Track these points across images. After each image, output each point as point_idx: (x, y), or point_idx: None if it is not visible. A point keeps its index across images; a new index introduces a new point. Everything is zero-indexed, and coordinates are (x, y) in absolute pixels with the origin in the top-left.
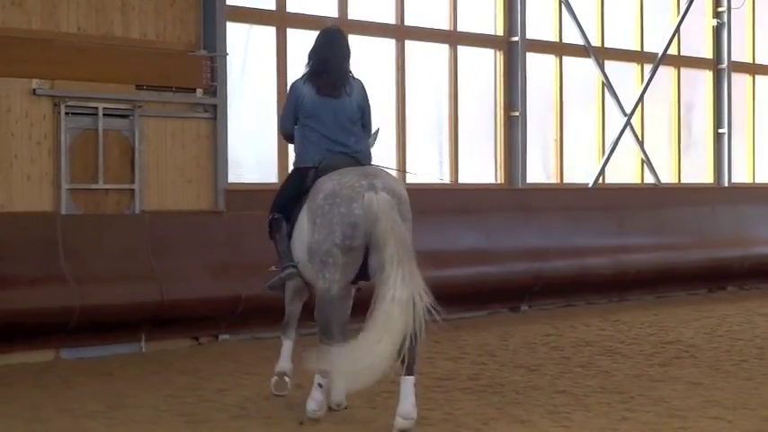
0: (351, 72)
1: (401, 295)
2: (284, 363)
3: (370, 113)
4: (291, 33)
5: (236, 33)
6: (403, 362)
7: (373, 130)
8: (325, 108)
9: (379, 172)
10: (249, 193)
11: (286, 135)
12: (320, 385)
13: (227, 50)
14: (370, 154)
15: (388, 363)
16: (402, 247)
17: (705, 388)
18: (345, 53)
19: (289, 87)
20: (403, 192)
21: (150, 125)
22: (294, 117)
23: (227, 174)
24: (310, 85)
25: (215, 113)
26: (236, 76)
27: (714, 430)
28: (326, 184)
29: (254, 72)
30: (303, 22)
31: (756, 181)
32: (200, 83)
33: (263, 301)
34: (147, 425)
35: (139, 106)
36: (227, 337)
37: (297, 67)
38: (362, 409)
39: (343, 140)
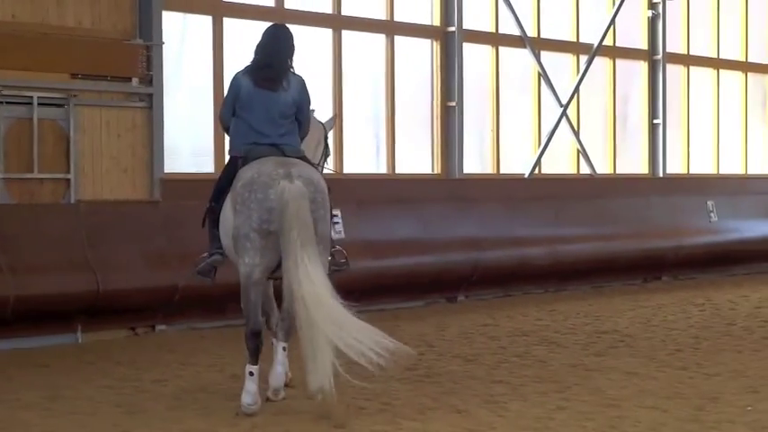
0: (292, 68)
1: (305, 291)
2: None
3: (307, 110)
4: (228, 22)
5: (171, 22)
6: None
7: (328, 118)
8: (259, 100)
9: (298, 162)
10: (185, 182)
11: (224, 126)
12: (251, 374)
13: (163, 39)
14: (297, 147)
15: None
16: (305, 232)
17: (640, 377)
18: (288, 49)
19: (231, 79)
20: (321, 181)
21: (85, 114)
22: (233, 108)
23: (162, 163)
24: (249, 77)
25: (151, 103)
26: (172, 66)
27: (649, 419)
28: (246, 173)
29: (191, 61)
30: (239, 11)
31: (691, 172)
32: (135, 72)
33: (200, 291)
34: (84, 416)
35: (74, 95)
36: (163, 327)
37: (233, 56)
38: (299, 400)
39: (269, 132)
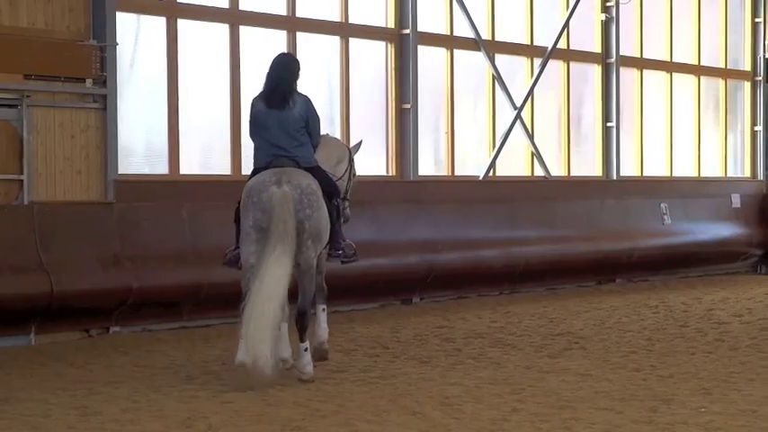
0: (296, 89)
1: (265, 283)
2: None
3: (315, 123)
4: (182, 24)
5: (125, 23)
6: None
7: (354, 143)
8: (272, 119)
9: (293, 171)
10: (139, 183)
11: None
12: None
13: (117, 40)
14: (310, 157)
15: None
16: (281, 230)
17: (594, 379)
18: (292, 73)
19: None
20: (310, 186)
21: (39, 115)
22: (252, 128)
23: (116, 164)
24: (262, 101)
25: (104, 104)
26: (126, 67)
27: (604, 421)
28: (250, 182)
29: (145, 62)
30: (193, 12)
31: (644, 174)
32: (89, 73)
33: (154, 292)
34: (38, 418)
35: (28, 96)
36: (118, 329)
37: (187, 57)
38: (257, 403)
39: (284, 146)
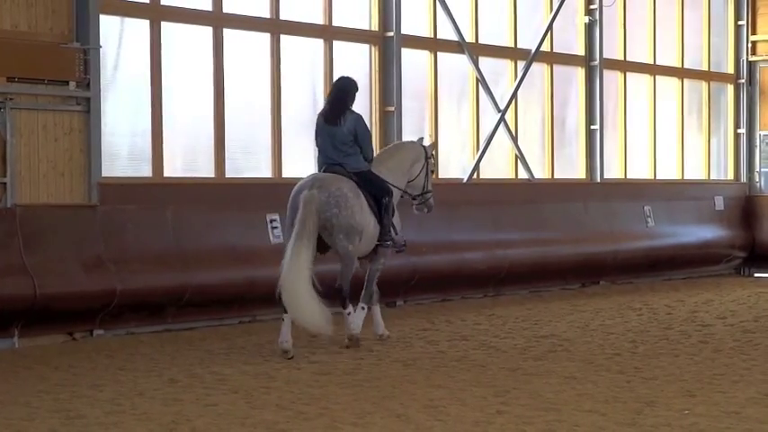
0: (350, 108)
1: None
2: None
3: (363, 137)
4: (165, 26)
5: (109, 26)
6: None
7: (429, 144)
8: (327, 133)
9: (329, 177)
10: (123, 186)
11: None
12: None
13: (101, 43)
14: (357, 164)
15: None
16: (301, 230)
17: (579, 381)
18: (346, 95)
19: None
20: (340, 190)
21: (22, 118)
22: (315, 140)
23: (100, 167)
24: (321, 117)
25: (88, 106)
26: (110, 69)
27: (588, 423)
28: (296, 186)
29: (128, 65)
30: (177, 15)
31: (628, 177)
32: (72, 75)
33: (138, 295)
34: (21, 422)
35: (11, 98)
36: (101, 332)
37: (171, 60)
38: (241, 405)
39: (332, 156)
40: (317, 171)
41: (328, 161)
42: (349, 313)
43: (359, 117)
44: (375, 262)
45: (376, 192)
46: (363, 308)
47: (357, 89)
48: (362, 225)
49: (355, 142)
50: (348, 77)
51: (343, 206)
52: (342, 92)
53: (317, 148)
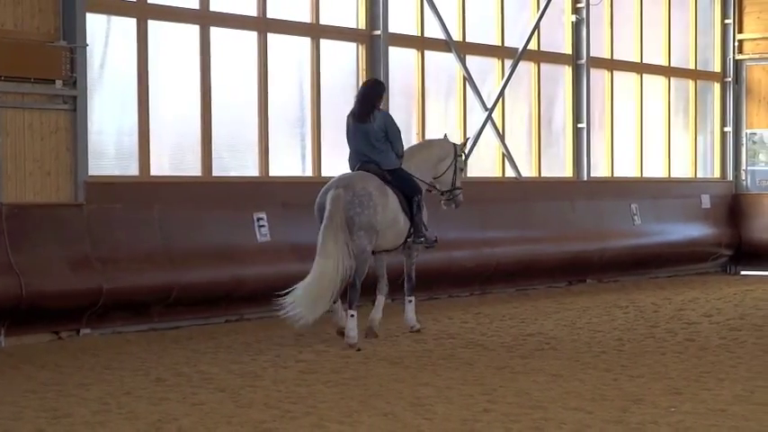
0: (378, 107)
1: (319, 260)
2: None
3: (393, 133)
4: (152, 25)
5: (96, 24)
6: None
7: (461, 141)
8: (358, 132)
9: (357, 176)
10: (110, 185)
11: None
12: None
13: (87, 41)
14: (390, 161)
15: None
16: (329, 224)
17: (565, 379)
18: (374, 96)
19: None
20: (365, 190)
21: (8, 116)
22: (347, 139)
23: (87, 166)
24: (351, 117)
25: (74, 105)
26: (97, 68)
27: (574, 421)
28: (323, 188)
29: (115, 63)
30: (163, 13)
31: (615, 175)
32: (59, 74)
33: (124, 294)
34: (7, 421)
35: None
36: (88, 331)
37: (158, 58)
38: (227, 404)
39: (367, 153)
40: (349, 170)
41: (363, 158)
42: (352, 315)
43: (388, 114)
44: (410, 257)
45: (408, 190)
46: (410, 300)
47: (385, 89)
48: (382, 224)
49: (386, 139)
50: (377, 79)
51: (366, 205)
52: (371, 91)
53: (349, 147)
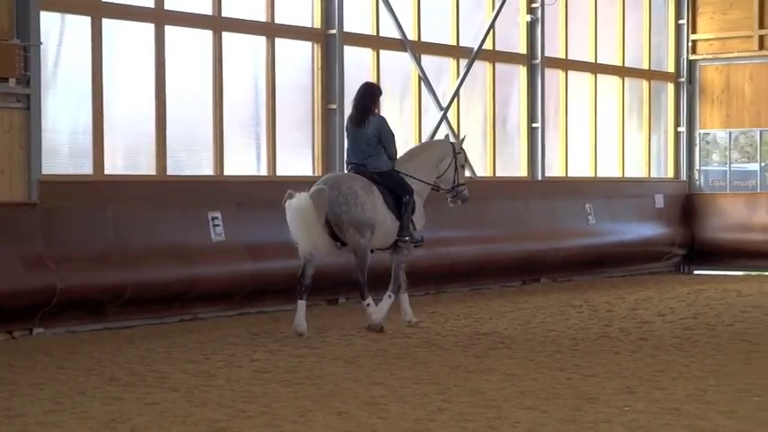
0: (372, 111)
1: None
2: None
3: (386, 137)
4: (107, 23)
5: (50, 22)
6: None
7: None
8: (353, 136)
9: (344, 176)
10: (64, 184)
11: None
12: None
13: (41, 40)
14: (380, 164)
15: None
16: (309, 216)
17: (519, 378)
18: (369, 100)
19: None
20: (350, 188)
21: None
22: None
23: (40, 165)
24: (348, 121)
25: (28, 103)
26: (51, 66)
27: (528, 420)
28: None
29: (69, 62)
30: (118, 11)
31: (569, 175)
32: (12, 72)
33: (78, 294)
34: None
35: None
36: (41, 330)
37: (112, 57)
38: (181, 404)
39: (359, 157)
40: (344, 171)
41: (353, 162)
42: (368, 304)
43: (382, 119)
44: (399, 254)
45: (397, 190)
46: (390, 296)
47: (381, 93)
48: (374, 220)
49: (379, 143)
50: (373, 83)
51: (352, 203)
52: (367, 96)
53: (347, 149)
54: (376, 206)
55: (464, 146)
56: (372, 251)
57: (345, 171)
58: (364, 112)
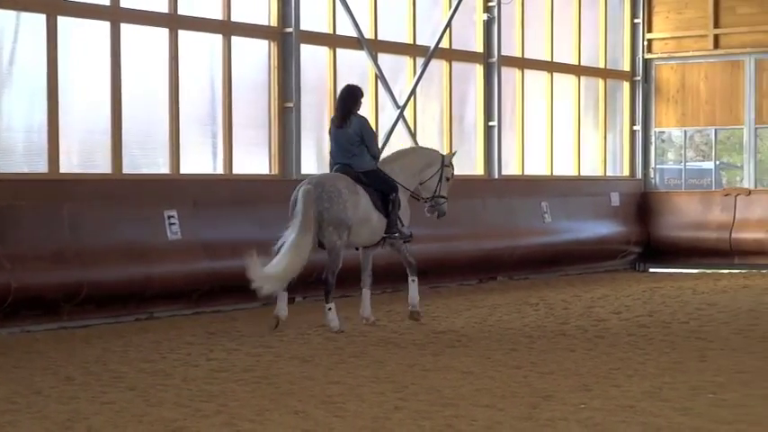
0: (354, 112)
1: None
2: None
3: (368, 136)
4: (62, 21)
5: (5, 20)
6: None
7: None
8: (336, 136)
9: (326, 175)
10: (19, 182)
11: None
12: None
13: None
14: (363, 164)
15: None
16: (296, 219)
17: (476, 376)
18: (353, 101)
19: None
20: (334, 187)
21: None
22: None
23: None
24: (331, 122)
25: None
26: (6, 64)
27: (485, 417)
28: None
29: (25, 60)
30: (73, 9)
31: (525, 173)
32: None
33: (33, 293)
34: None
35: None
36: None
37: (67, 55)
38: (138, 403)
39: (342, 157)
40: (328, 172)
41: (337, 162)
42: (330, 309)
43: (364, 119)
44: (399, 250)
45: (383, 188)
46: (413, 280)
47: (363, 95)
48: (352, 220)
49: (362, 142)
50: (354, 85)
51: (335, 201)
52: (348, 97)
53: (330, 149)
54: (358, 206)
55: (453, 160)
56: (357, 248)
57: (330, 171)
58: (346, 113)
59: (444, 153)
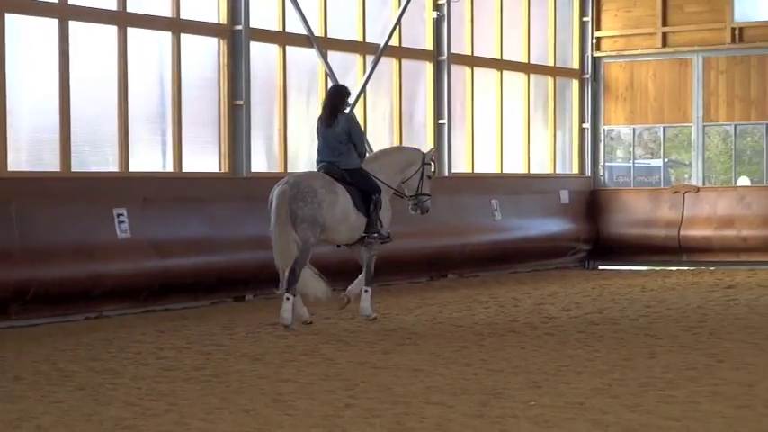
0: (342, 111)
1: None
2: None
3: (356, 135)
4: (9, 18)
5: None
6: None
7: (428, 150)
8: (324, 134)
9: (303, 174)
10: None
11: None
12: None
13: None
14: (350, 162)
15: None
16: (276, 220)
17: (427, 374)
18: (338, 101)
19: None
20: (310, 186)
21: None
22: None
23: None
24: (318, 121)
25: None
26: None
27: (435, 415)
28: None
29: None
30: (22, 6)
31: (475, 171)
32: None
33: None
34: None
35: None
36: None
37: (15, 54)
38: (87, 402)
39: (329, 155)
40: (314, 170)
41: (323, 160)
42: (288, 298)
43: (352, 117)
44: (369, 249)
45: (366, 188)
46: (366, 290)
47: (350, 94)
48: (329, 219)
49: (349, 140)
50: (341, 84)
51: (309, 200)
52: (335, 96)
53: (317, 148)
54: (335, 205)
55: (433, 158)
56: (339, 246)
57: (315, 169)
58: (333, 112)
59: (425, 151)
